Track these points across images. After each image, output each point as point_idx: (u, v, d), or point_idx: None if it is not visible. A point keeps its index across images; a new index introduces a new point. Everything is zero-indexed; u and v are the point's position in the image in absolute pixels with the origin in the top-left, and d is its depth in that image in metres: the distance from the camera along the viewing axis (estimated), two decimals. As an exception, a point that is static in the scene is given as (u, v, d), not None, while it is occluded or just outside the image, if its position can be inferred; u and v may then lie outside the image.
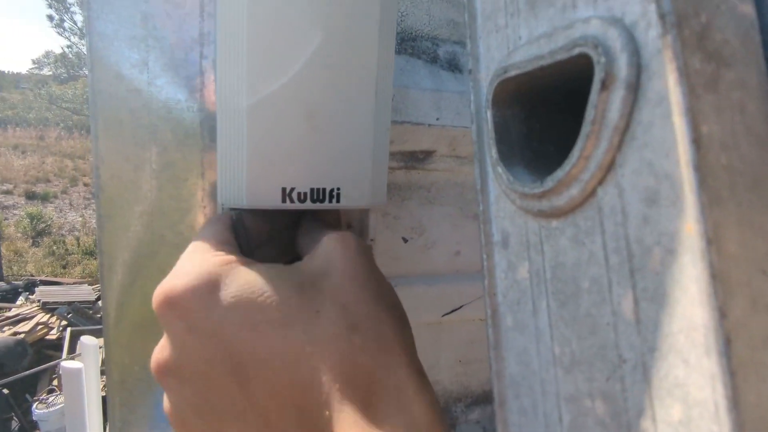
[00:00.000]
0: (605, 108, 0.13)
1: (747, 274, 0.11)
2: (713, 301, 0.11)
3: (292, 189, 0.31)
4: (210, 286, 0.22)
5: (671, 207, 0.12)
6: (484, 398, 0.53)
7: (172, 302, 0.22)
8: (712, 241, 0.11)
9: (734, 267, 0.11)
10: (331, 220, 0.34)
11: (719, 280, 0.11)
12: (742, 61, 0.12)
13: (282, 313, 0.22)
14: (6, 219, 8.75)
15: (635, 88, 0.13)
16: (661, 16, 0.11)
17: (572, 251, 0.16)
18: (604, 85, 0.13)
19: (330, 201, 0.32)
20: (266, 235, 0.32)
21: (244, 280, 0.23)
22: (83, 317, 4.40)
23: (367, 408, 0.20)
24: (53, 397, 3.09)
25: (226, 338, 0.21)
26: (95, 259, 7.19)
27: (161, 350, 0.23)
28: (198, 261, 0.23)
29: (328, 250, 0.25)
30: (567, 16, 0.15)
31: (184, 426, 0.24)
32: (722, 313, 0.10)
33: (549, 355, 0.17)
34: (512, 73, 0.18)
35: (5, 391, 3.19)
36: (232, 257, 0.24)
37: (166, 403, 0.24)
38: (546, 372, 0.17)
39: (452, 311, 0.50)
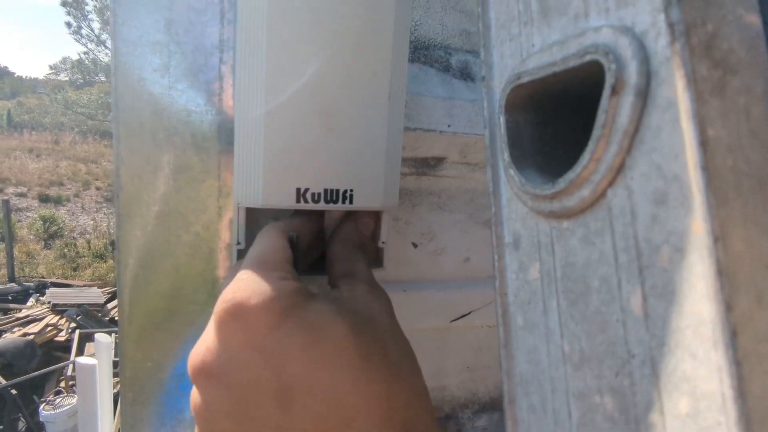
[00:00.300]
0: (615, 112, 0.14)
1: (752, 271, 0.11)
2: (720, 295, 0.11)
3: (307, 189, 0.31)
4: (281, 311, 0.23)
5: (679, 207, 0.12)
6: (492, 405, 0.53)
7: (240, 314, 0.23)
8: (719, 238, 0.11)
9: (740, 264, 0.11)
10: (363, 227, 0.36)
11: (725, 275, 0.11)
12: (748, 69, 0.12)
13: (337, 351, 0.23)
14: (19, 221, 8.87)
15: (645, 93, 0.13)
16: (670, 25, 0.12)
17: (582, 251, 0.16)
18: (615, 91, 0.14)
19: (343, 202, 0.32)
20: (311, 240, 0.33)
21: (307, 313, 0.24)
22: (92, 320, 4.44)
23: None
24: (60, 399, 3.11)
25: (282, 361, 0.23)
26: (105, 262, 7.27)
27: (208, 352, 0.24)
28: (270, 282, 0.25)
29: (368, 300, 0.28)
30: (579, 25, 0.16)
31: (212, 425, 0.24)
32: (728, 306, 0.11)
33: (558, 353, 0.17)
34: (525, 79, 0.18)
35: (13, 391, 3.22)
36: (298, 285, 0.26)
37: (196, 400, 0.25)
38: (555, 370, 0.18)
39: (460, 317, 0.50)
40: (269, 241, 0.29)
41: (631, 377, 0.14)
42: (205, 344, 0.25)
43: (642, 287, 0.14)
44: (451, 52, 0.44)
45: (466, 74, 0.44)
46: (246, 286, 0.24)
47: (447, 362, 0.52)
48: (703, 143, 0.11)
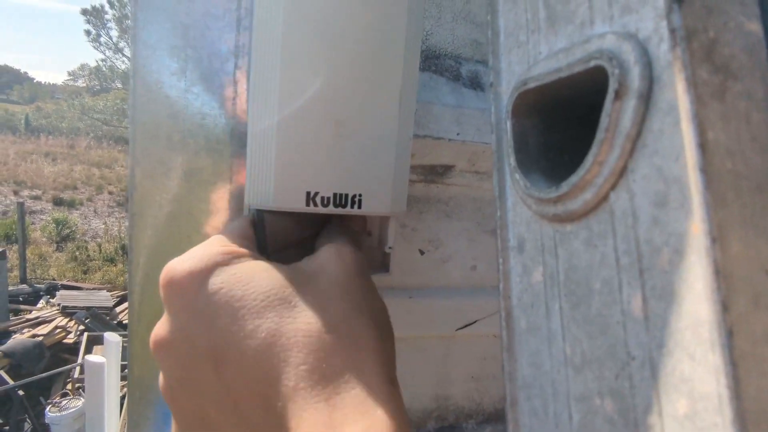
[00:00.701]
0: (618, 116, 0.14)
1: (749, 272, 0.11)
2: (716, 296, 0.11)
3: (316, 193, 0.32)
4: (206, 272, 0.24)
5: (679, 209, 0.13)
6: (496, 416, 0.53)
7: (172, 281, 0.24)
8: (717, 239, 0.11)
9: (737, 265, 0.11)
10: (356, 227, 0.36)
11: (722, 276, 0.11)
12: (749, 74, 0.12)
13: (260, 304, 0.22)
14: (33, 223, 9.01)
15: (647, 98, 0.13)
16: (672, 31, 0.12)
17: (585, 254, 0.16)
18: (618, 95, 0.14)
19: (352, 206, 0.33)
20: (290, 238, 0.33)
21: (236, 270, 0.24)
22: (100, 323, 4.47)
23: (330, 409, 0.20)
24: (66, 401, 3.13)
25: (208, 321, 0.23)
26: (115, 265, 7.34)
27: (160, 325, 0.25)
28: (205, 249, 0.25)
29: (324, 257, 0.27)
30: (585, 32, 0.16)
31: (173, 400, 0.25)
32: (725, 307, 0.11)
33: (560, 356, 0.18)
34: (532, 85, 0.19)
35: (21, 392, 3.24)
36: (236, 249, 0.25)
37: (160, 377, 0.25)
38: (557, 373, 0.18)
39: (466, 326, 0.50)
40: (227, 224, 0.29)
41: (631, 379, 0.14)
42: (160, 320, 0.25)
43: (642, 289, 0.14)
44: (461, 61, 0.45)
45: (475, 83, 0.45)
46: (182, 255, 0.25)
47: (452, 371, 0.52)
48: (703, 145, 0.12)
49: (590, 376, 0.16)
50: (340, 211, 0.32)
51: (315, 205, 0.32)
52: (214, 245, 0.25)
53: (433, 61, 0.44)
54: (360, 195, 0.33)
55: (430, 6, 0.44)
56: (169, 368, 0.24)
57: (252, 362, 0.22)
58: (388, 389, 0.22)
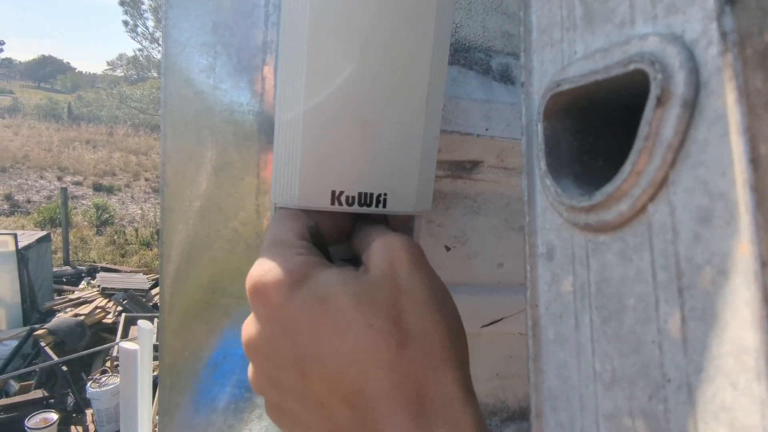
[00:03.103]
0: (660, 125, 0.13)
1: (803, 300, 0.10)
2: (765, 324, 0.10)
3: (341, 192, 0.32)
4: (290, 284, 0.25)
5: (725, 227, 0.12)
6: (521, 414, 0.52)
7: (258, 290, 0.26)
8: (767, 263, 0.10)
9: (789, 291, 0.10)
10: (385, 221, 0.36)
11: (772, 303, 0.10)
12: (809, 82, 0.11)
13: (341, 322, 0.24)
14: (75, 208, 9.41)
15: (692, 105, 0.12)
16: (723, 35, 0.11)
17: (619, 267, 0.16)
18: (660, 102, 0.13)
19: (376, 206, 0.33)
20: (338, 237, 0.33)
21: (315, 285, 0.25)
22: (137, 304, 4.65)
23: (415, 419, 0.22)
24: (106, 378, 3.28)
25: (293, 336, 0.24)
26: (151, 250, 7.60)
27: (248, 326, 0.27)
28: (281, 259, 0.26)
29: (382, 260, 0.27)
30: (625, 32, 0.15)
31: (261, 391, 0.27)
32: (774, 337, 0.10)
33: (589, 371, 0.17)
34: (565, 87, 0.18)
35: (64, 368, 3.42)
36: (312, 258, 0.27)
37: (250, 369, 0.28)
38: (585, 387, 0.17)
39: (492, 323, 0.49)
40: (283, 223, 0.30)
41: (666, 402, 0.13)
42: (248, 320, 0.27)
43: (681, 309, 0.13)
44: (491, 54, 0.44)
45: (506, 77, 0.44)
46: (262, 264, 0.26)
47: (476, 368, 0.52)
48: (754, 160, 0.11)
49: (621, 394, 0.15)
50: (365, 210, 0.32)
51: (340, 204, 0.32)
52: (286, 253, 0.27)
53: (462, 55, 0.42)
54: (385, 194, 0.33)
55: (461, -3, 0.43)
56: (258, 366, 0.27)
57: (337, 376, 0.23)
58: (466, 395, 0.23)
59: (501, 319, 0.49)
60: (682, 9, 0.13)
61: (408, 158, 0.33)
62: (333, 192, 0.32)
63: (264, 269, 0.26)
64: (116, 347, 3.49)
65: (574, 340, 0.18)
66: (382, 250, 0.27)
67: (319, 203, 0.32)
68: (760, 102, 0.11)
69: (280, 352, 0.25)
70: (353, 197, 0.32)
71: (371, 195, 0.32)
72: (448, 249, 0.47)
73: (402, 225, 0.39)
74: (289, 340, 0.24)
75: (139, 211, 9.93)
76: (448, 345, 0.24)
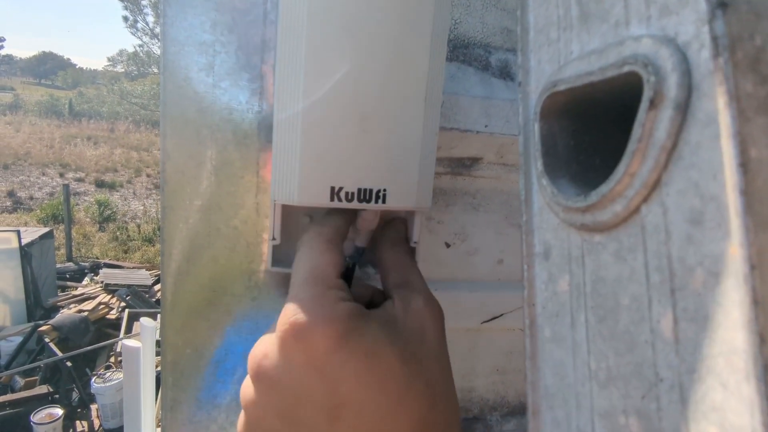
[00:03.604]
0: (653, 127, 0.13)
1: (792, 302, 0.11)
2: (754, 326, 0.10)
3: (341, 188, 0.32)
4: (339, 337, 0.25)
5: (716, 229, 0.12)
6: (521, 409, 0.53)
7: (302, 337, 0.25)
8: (756, 266, 0.11)
9: (778, 293, 0.11)
10: (401, 230, 0.37)
11: (761, 305, 0.10)
12: (800, 85, 0.11)
13: (386, 379, 0.25)
14: (77, 205, 9.43)
15: (684, 108, 0.13)
16: (714, 39, 0.11)
17: (614, 267, 0.16)
18: (653, 104, 0.13)
19: (376, 201, 0.33)
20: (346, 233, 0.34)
21: (364, 339, 0.26)
22: (140, 300, 4.67)
23: None
24: (110, 373, 3.30)
25: (337, 382, 0.25)
26: (153, 246, 7.63)
27: (267, 357, 0.27)
28: (329, 304, 0.27)
29: (420, 317, 0.29)
30: (619, 32, 0.15)
31: (259, 422, 0.27)
32: (762, 339, 0.10)
33: (585, 369, 0.17)
34: (562, 87, 0.18)
35: (68, 363, 3.44)
36: (356, 306, 0.27)
37: (248, 394, 0.28)
38: (581, 386, 0.17)
39: (492, 319, 0.50)
40: (320, 253, 0.30)
41: (658, 401, 0.14)
42: (265, 349, 0.27)
43: (673, 309, 0.13)
44: (491, 50, 0.44)
45: (505, 73, 0.44)
46: (306, 307, 0.26)
47: (477, 364, 0.52)
48: (744, 164, 0.11)
49: (615, 393, 0.16)
50: (364, 206, 0.32)
51: (339, 200, 0.32)
52: (328, 299, 0.27)
53: (461, 51, 0.42)
54: (384, 190, 0.33)
55: (460, -7, 0.42)
56: (270, 398, 0.27)
57: (370, 426, 0.25)
58: None
59: (501, 315, 0.50)
60: (675, 11, 0.13)
61: (407, 154, 0.33)
62: (332, 188, 0.32)
63: (308, 315, 0.26)
64: (120, 343, 3.51)
65: (570, 338, 0.18)
66: (422, 309, 0.29)
67: (319, 200, 0.32)
68: (750, 106, 0.11)
69: (312, 396, 0.25)
70: (353, 193, 0.32)
71: (370, 191, 0.32)
72: (448, 246, 0.47)
73: (402, 222, 0.39)
74: (327, 387, 0.25)
75: (141, 207, 9.95)
76: (455, 404, 0.29)
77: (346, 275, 0.31)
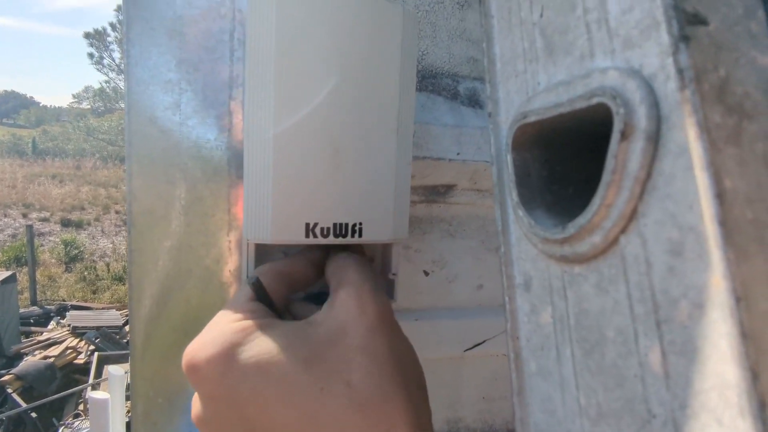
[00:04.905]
0: (625, 158, 0.13)
1: (779, 333, 0.10)
2: (745, 361, 0.10)
3: (315, 224, 0.31)
4: (224, 356, 0.24)
5: (697, 260, 0.12)
6: (510, 438, 0.52)
7: (193, 369, 0.25)
8: (742, 298, 0.10)
9: (765, 326, 0.10)
10: (359, 249, 0.35)
11: (750, 339, 0.10)
12: (765, 113, 0.11)
13: (288, 388, 0.23)
14: (42, 246, 9.07)
15: (655, 139, 0.13)
16: (679, 71, 0.11)
17: (596, 298, 0.15)
18: (624, 136, 0.13)
19: (352, 236, 0.32)
20: (297, 285, 0.32)
21: (257, 351, 0.24)
22: (110, 342, 4.48)
23: None
24: (79, 422, 3.12)
25: (240, 405, 0.23)
26: (124, 284, 7.36)
27: (194, 403, 0.26)
28: (217, 329, 0.25)
29: (343, 312, 0.26)
30: (585, 65, 0.16)
31: None
32: (755, 374, 0.10)
33: (575, 405, 0.17)
34: (532, 118, 0.18)
35: (33, 414, 3.24)
36: (249, 323, 0.25)
37: None
38: (572, 422, 0.17)
39: (474, 346, 0.49)
40: (234, 294, 0.30)
41: (653, 439, 0.13)
42: (194, 397, 0.27)
43: (661, 342, 0.13)
44: (458, 80, 0.44)
45: (474, 101, 0.44)
46: (197, 339, 0.26)
47: (462, 393, 0.51)
48: (720, 195, 0.11)
49: (607, 430, 0.15)
50: (340, 241, 0.32)
51: (315, 236, 0.31)
52: (225, 322, 0.26)
53: (429, 81, 0.43)
54: (360, 224, 0.32)
55: (425, 25, 0.43)
56: None
57: None
58: None
59: (484, 342, 0.49)
60: (638, 44, 0.13)
61: (382, 186, 0.33)
62: (307, 225, 0.31)
63: (197, 345, 0.25)
64: (89, 388, 3.34)
65: (556, 373, 0.17)
66: (344, 303, 0.26)
67: (294, 237, 0.31)
68: (720, 136, 0.11)
69: (231, 426, 0.24)
70: (328, 228, 0.31)
71: (346, 225, 0.32)
72: (427, 274, 0.46)
73: (379, 253, 0.39)
74: (236, 414, 0.23)
75: (110, 245, 9.64)
76: (407, 406, 0.23)
77: (263, 298, 0.29)
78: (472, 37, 0.44)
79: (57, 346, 4.34)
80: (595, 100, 0.14)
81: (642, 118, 0.13)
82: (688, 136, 0.11)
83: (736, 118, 0.11)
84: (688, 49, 0.11)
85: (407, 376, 0.25)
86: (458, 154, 0.42)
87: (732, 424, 0.11)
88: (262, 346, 0.24)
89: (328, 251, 0.34)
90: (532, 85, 0.19)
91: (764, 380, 0.10)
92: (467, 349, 0.48)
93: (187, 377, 0.25)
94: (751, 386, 0.10)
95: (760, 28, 0.12)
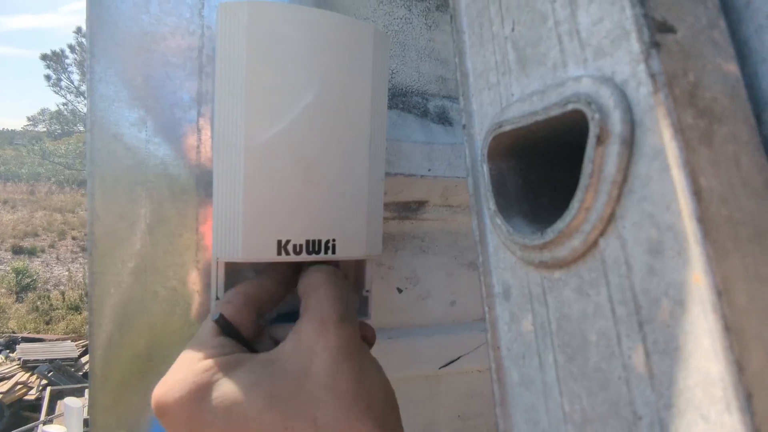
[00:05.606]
0: (602, 162, 0.14)
1: (759, 326, 0.11)
2: (729, 354, 0.10)
3: (288, 241, 0.30)
4: (191, 399, 0.24)
5: (676, 258, 0.12)
6: (488, 456, 0.51)
7: (162, 412, 0.25)
8: (723, 293, 0.11)
9: (746, 319, 0.11)
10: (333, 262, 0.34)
11: (734, 332, 0.10)
12: (733, 117, 0.12)
13: (255, 427, 0.23)
14: (-10, 275, 8.55)
15: (630, 142, 0.13)
16: (652, 76, 0.12)
17: (577, 303, 0.15)
18: (600, 140, 0.14)
19: (326, 252, 0.31)
20: (286, 291, 0.32)
21: (222, 391, 0.24)
22: (65, 375, 4.21)
23: None
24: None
25: None
26: (80, 314, 7.00)
27: None
28: (184, 369, 0.25)
29: (306, 347, 0.26)
30: (558, 74, 0.16)
31: None
32: (740, 366, 0.10)
33: (559, 413, 0.16)
34: (507, 128, 0.18)
35: (-24, 460, 2.99)
36: (214, 362, 0.25)
37: None
38: (557, 431, 0.17)
39: (449, 363, 0.49)
40: (204, 324, 0.29)
41: (640, 441, 0.13)
42: None
43: (644, 343, 0.13)
44: (428, 98, 0.45)
45: (443, 119, 0.45)
46: (166, 380, 0.26)
47: (438, 412, 0.50)
48: (697, 193, 0.11)
49: (594, 435, 0.15)
50: (313, 258, 0.31)
51: (287, 253, 0.30)
52: (192, 361, 0.26)
53: (400, 99, 0.43)
54: (334, 240, 0.32)
55: (395, 45, 0.44)
56: None
57: None
58: None
59: (459, 358, 0.49)
60: (610, 53, 0.14)
61: (355, 202, 0.33)
62: (279, 242, 0.30)
63: (165, 387, 0.25)
64: (39, 426, 3.12)
65: (539, 381, 0.17)
66: (308, 336, 0.26)
67: (265, 255, 0.30)
68: (693, 137, 0.11)
69: None
70: (301, 245, 0.31)
71: (319, 242, 0.31)
72: (400, 291, 0.46)
73: (353, 270, 0.38)
74: None
75: (66, 273, 9.18)
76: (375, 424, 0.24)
77: (230, 332, 0.28)
78: (441, 57, 0.45)
79: (5, 381, 4.05)
80: (570, 107, 0.15)
81: (617, 123, 0.13)
82: (663, 138, 0.12)
83: (707, 120, 0.12)
84: (660, 55, 0.12)
85: (375, 407, 0.25)
86: (429, 170, 0.42)
87: (718, 419, 0.11)
88: (227, 386, 0.24)
89: (299, 265, 0.33)
90: (506, 96, 0.19)
91: (749, 373, 0.10)
92: (442, 366, 0.48)
93: (157, 417, 0.25)
94: (737, 380, 0.10)
95: (722, 37, 0.12)
